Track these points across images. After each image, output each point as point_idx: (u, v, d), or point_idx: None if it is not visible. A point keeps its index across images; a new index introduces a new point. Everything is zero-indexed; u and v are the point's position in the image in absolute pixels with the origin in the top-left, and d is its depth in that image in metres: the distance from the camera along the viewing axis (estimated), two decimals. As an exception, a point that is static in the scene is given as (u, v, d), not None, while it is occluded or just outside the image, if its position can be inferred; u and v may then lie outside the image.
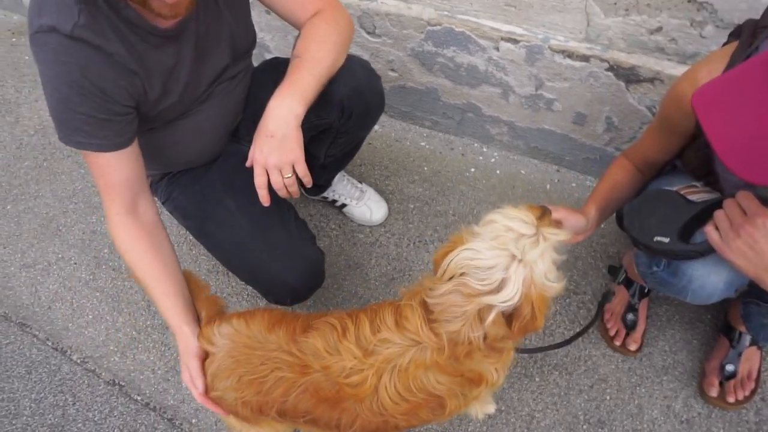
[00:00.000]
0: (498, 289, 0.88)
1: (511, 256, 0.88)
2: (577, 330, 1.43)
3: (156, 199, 1.55)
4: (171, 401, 1.64)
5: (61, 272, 1.94)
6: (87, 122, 1.07)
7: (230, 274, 1.82)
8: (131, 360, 1.74)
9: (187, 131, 1.34)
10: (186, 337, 1.17)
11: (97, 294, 1.88)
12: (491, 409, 1.47)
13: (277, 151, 1.13)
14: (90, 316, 1.84)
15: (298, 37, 1.26)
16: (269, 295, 1.46)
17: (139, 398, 1.66)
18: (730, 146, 0.71)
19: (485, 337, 0.95)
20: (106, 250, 1.97)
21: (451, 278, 0.92)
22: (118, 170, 1.16)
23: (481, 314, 0.91)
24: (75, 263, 1.96)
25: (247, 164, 1.18)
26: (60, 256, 1.98)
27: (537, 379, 1.56)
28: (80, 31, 0.99)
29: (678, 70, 1.49)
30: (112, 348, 1.77)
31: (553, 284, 0.92)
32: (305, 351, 1.04)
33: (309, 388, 1.04)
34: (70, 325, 1.82)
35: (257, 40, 1.41)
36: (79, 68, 1.01)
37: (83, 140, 1.10)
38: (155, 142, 1.32)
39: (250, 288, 1.80)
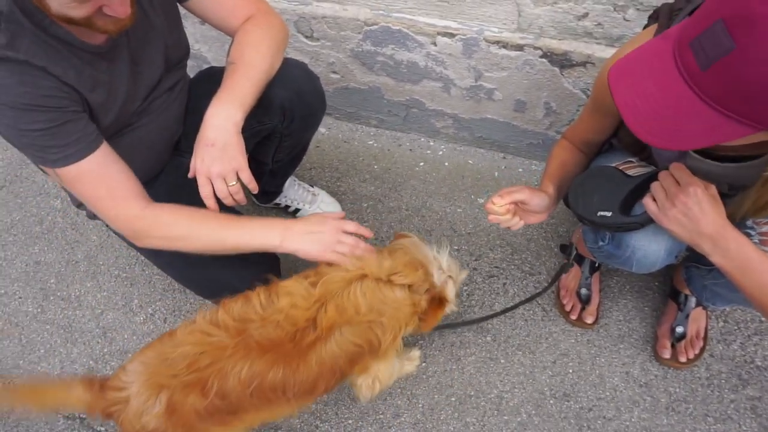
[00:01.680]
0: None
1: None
2: (534, 293, 1.49)
3: (101, 222, 1.50)
4: (137, 428, 1.59)
5: (6, 308, 1.84)
6: (49, 135, 1.02)
7: (187, 291, 1.78)
8: (91, 391, 1.68)
9: (125, 148, 1.29)
10: (295, 223, 1.17)
11: (47, 327, 1.80)
12: (415, 362, 1.56)
13: (219, 160, 1.12)
14: (42, 351, 1.76)
15: (231, 43, 1.25)
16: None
17: (102, 429, 1.60)
18: (635, 112, 0.74)
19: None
20: (52, 280, 1.89)
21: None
22: (113, 167, 1.12)
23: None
24: (20, 297, 1.86)
25: (190, 175, 1.16)
26: (3, 291, 1.88)
27: (502, 361, 1.60)
28: (3, 51, 0.95)
29: (607, 52, 1.56)
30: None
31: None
32: (235, 317, 1.06)
33: (249, 343, 1.04)
34: (21, 362, 1.73)
35: (194, 52, 1.39)
36: (14, 86, 0.97)
37: (58, 156, 1.05)
38: None
39: (210, 303, 1.77)
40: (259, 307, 1.07)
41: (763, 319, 1.58)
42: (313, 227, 1.16)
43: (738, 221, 0.98)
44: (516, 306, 1.49)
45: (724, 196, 0.97)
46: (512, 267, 1.75)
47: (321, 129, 2.15)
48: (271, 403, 1.09)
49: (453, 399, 1.56)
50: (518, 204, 1.14)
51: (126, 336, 1.76)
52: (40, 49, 0.99)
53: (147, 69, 1.22)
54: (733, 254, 0.93)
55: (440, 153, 2.05)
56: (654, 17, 1.11)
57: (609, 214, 1.09)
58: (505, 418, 1.52)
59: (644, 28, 1.15)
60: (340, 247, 1.15)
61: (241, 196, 1.19)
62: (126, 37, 1.13)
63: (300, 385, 1.07)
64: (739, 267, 0.94)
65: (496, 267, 1.75)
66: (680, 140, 0.74)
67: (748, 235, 0.99)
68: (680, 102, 0.70)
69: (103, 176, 1.11)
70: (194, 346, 1.04)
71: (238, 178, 1.16)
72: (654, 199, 1.01)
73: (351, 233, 1.18)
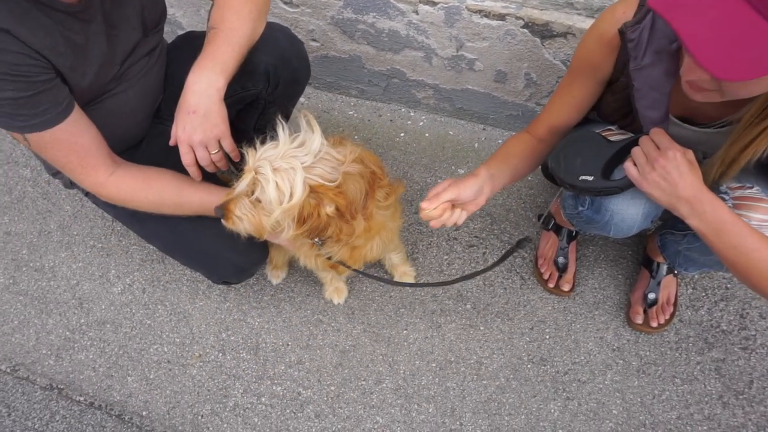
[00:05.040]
0: None
1: None
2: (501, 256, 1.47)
3: (78, 191, 1.46)
4: (117, 397, 1.58)
5: (-24, 279, 1.80)
6: (17, 105, 0.99)
7: (166, 260, 1.76)
8: (68, 361, 1.65)
9: (105, 115, 1.26)
10: None
11: (21, 298, 1.76)
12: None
13: (201, 128, 1.10)
14: (15, 322, 1.72)
15: (211, 7, 1.22)
16: (213, 276, 1.43)
17: (81, 399, 1.59)
18: (704, 44, 0.70)
19: None
20: (24, 251, 1.84)
21: None
22: (83, 134, 1.11)
23: None
24: (-10, 268, 1.82)
25: (171, 143, 1.13)
26: (-28, 262, 1.83)
27: (482, 328, 1.63)
28: None
29: (587, 23, 1.57)
30: (44, 352, 1.68)
31: None
32: None
33: None
34: (-6, 333, 1.70)
35: (168, 17, 1.34)
36: None
37: (25, 123, 1.02)
38: None
39: (189, 272, 1.75)
40: None
41: (728, 285, 1.64)
42: None
43: (709, 185, 1.01)
44: (498, 263, 1.40)
45: (699, 163, 1.00)
46: (492, 237, 1.77)
47: (300, 98, 2.12)
48: None
49: (434, 365, 1.59)
50: (451, 201, 1.09)
51: (104, 307, 1.73)
52: (4, 7, 0.94)
53: (123, 32, 1.18)
54: (709, 217, 0.96)
55: (421, 124, 2.05)
56: None
57: (591, 178, 1.11)
58: (484, 382, 1.56)
59: None
60: None
61: (223, 163, 1.18)
62: None
63: None
64: (714, 229, 0.97)
65: (476, 237, 1.78)
66: (758, 68, 0.69)
67: (723, 199, 1.02)
68: (754, 28, 0.66)
69: (72, 144, 1.10)
70: None
71: (220, 146, 1.15)
72: (635, 164, 1.03)
73: None
